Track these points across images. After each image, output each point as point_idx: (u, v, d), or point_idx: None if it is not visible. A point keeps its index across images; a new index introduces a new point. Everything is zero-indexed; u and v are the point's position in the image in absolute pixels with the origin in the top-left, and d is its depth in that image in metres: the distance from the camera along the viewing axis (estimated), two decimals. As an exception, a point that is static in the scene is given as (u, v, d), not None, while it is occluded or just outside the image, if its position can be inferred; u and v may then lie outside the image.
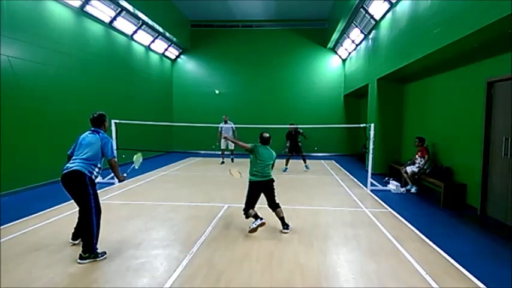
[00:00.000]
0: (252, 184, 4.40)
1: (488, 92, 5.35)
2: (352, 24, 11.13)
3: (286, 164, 9.89)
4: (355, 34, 11.63)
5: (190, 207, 5.64)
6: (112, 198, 6.17)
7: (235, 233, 4.34)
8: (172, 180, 8.24)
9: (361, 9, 9.77)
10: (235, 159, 11.55)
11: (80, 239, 3.82)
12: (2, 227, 4.42)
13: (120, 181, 4.02)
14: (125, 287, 2.94)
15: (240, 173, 4.97)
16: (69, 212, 5.14)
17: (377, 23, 9.42)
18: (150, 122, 10.40)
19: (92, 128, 3.78)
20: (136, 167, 4.52)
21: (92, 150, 3.58)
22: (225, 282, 3.03)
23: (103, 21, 9.55)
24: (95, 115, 3.81)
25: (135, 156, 4.51)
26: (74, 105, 8.11)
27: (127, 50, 11.20)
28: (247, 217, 4.38)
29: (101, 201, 3.68)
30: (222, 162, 11.13)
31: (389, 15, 8.42)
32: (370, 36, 10.27)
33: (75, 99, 8.20)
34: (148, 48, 12.76)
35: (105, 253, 3.54)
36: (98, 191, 3.75)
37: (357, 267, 3.39)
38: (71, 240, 3.88)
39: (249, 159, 4.55)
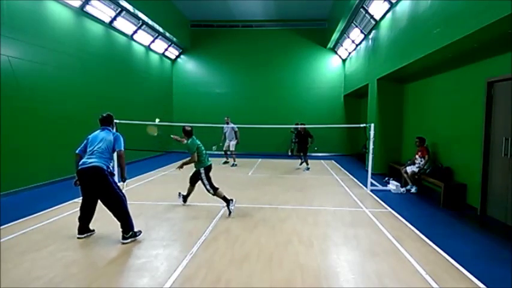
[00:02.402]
0: (208, 168, 5.36)
1: (488, 92, 5.35)
2: (352, 24, 11.13)
3: (306, 163, 10.24)
4: (355, 34, 11.62)
5: (190, 207, 5.65)
6: (112, 198, 6.16)
7: (235, 233, 4.34)
8: (172, 180, 8.24)
9: (361, 9, 9.77)
10: (236, 159, 11.62)
11: (86, 234, 4.10)
12: (2, 227, 4.42)
13: (123, 180, 4.08)
14: (125, 287, 2.94)
15: (157, 128, 5.92)
16: (69, 212, 5.14)
17: (377, 23, 9.41)
18: (150, 122, 10.38)
19: (102, 127, 4.18)
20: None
21: (105, 144, 3.96)
22: (225, 282, 3.03)
23: (103, 21, 9.55)
24: (104, 115, 4.22)
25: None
26: (74, 105, 8.12)
27: (127, 50, 11.20)
28: (215, 195, 5.17)
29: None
30: (225, 162, 11.30)
31: (389, 15, 8.41)
32: (370, 36, 10.27)
33: (75, 99, 8.20)
34: (148, 48, 12.75)
35: (140, 231, 4.06)
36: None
37: (357, 267, 3.39)
38: (78, 235, 4.06)
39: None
